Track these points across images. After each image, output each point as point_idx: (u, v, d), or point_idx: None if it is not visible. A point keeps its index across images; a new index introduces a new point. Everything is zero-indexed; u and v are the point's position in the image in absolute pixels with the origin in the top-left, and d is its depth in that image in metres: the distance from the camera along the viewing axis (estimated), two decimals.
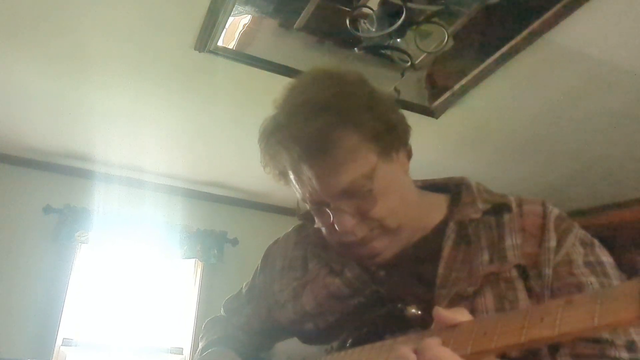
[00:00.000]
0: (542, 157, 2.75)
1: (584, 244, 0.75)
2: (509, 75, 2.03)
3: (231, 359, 0.91)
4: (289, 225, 0.99)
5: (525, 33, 1.79)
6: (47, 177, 3.14)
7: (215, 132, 2.70)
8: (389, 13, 1.63)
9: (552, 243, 0.73)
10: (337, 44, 1.94)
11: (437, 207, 0.84)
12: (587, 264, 0.72)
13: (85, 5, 1.78)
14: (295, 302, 0.85)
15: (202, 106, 2.43)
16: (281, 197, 3.40)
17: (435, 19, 1.71)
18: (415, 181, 0.87)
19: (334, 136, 0.74)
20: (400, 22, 1.60)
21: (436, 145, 2.63)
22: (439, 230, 0.79)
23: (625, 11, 1.68)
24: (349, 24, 1.68)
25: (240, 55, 2.00)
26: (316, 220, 0.82)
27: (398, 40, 1.75)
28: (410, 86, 2.13)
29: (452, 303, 0.69)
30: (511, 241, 0.75)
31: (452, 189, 0.87)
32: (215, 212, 3.50)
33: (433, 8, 1.66)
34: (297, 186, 0.80)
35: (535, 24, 1.75)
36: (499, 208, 0.79)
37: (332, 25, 1.84)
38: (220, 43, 1.92)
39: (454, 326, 0.55)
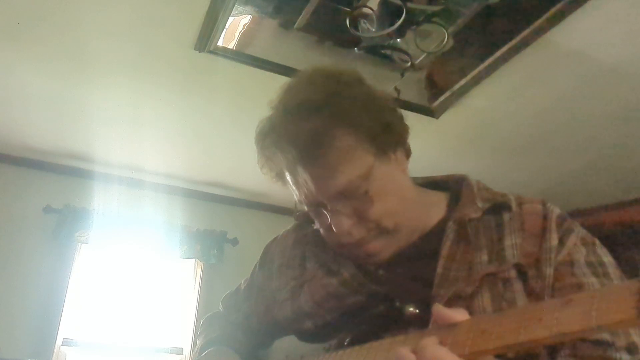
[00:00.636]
0: (542, 157, 2.75)
1: (585, 243, 0.75)
2: (509, 75, 2.03)
3: (231, 358, 0.91)
4: (288, 225, 0.99)
5: (525, 33, 1.79)
6: (47, 177, 3.13)
7: (216, 131, 2.70)
8: (389, 13, 1.63)
9: (554, 242, 0.73)
10: (337, 44, 1.93)
11: (436, 206, 0.83)
12: (589, 264, 0.72)
13: (85, 5, 1.78)
14: (293, 302, 0.84)
15: (202, 106, 2.43)
16: (281, 197, 3.39)
17: (435, 19, 1.71)
18: (415, 178, 0.86)
19: (329, 137, 0.73)
20: (400, 22, 1.60)
21: (436, 145, 2.63)
22: (438, 230, 0.79)
23: (625, 11, 1.68)
24: (349, 24, 1.68)
25: (240, 55, 2.00)
26: (314, 221, 0.82)
27: (398, 40, 1.76)
28: (410, 86, 2.13)
29: (450, 303, 0.69)
30: (511, 241, 0.74)
31: (452, 187, 0.86)
32: (215, 212, 3.49)
33: (433, 8, 1.66)
34: (293, 188, 0.79)
35: (535, 24, 1.75)
36: (499, 207, 0.79)
37: (332, 25, 1.84)
38: (220, 43, 1.92)
39: (452, 325, 0.55)
